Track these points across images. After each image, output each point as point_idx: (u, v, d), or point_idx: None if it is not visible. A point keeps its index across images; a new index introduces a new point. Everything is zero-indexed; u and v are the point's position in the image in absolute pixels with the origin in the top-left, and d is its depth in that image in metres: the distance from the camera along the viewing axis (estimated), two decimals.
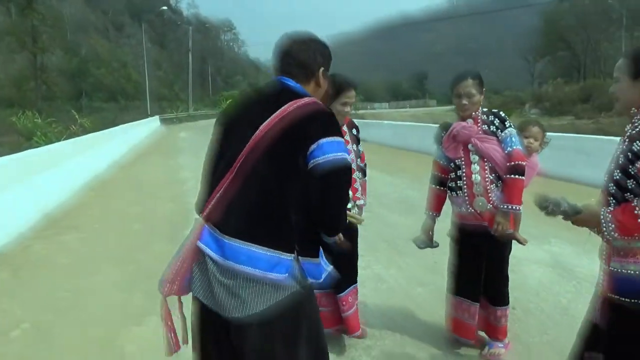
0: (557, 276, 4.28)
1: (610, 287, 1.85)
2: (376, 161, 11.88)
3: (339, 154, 1.59)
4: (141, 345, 3.33)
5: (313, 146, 1.57)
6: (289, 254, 1.59)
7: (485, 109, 2.93)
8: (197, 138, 23.56)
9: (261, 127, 1.58)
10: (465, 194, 2.84)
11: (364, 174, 3.10)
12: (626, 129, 1.85)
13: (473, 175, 2.82)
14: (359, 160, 3.03)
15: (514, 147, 2.77)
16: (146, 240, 5.83)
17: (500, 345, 2.98)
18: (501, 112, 2.91)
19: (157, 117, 38.33)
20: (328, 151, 1.57)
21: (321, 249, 1.80)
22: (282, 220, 1.60)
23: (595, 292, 1.93)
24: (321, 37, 1.91)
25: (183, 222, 6.66)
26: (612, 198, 1.85)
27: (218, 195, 1.61)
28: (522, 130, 3.05)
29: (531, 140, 3.04)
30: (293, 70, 1.78)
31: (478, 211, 2.81)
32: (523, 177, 2.76)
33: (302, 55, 1.79)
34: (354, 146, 3.00)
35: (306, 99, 1.65)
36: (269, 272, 1.54)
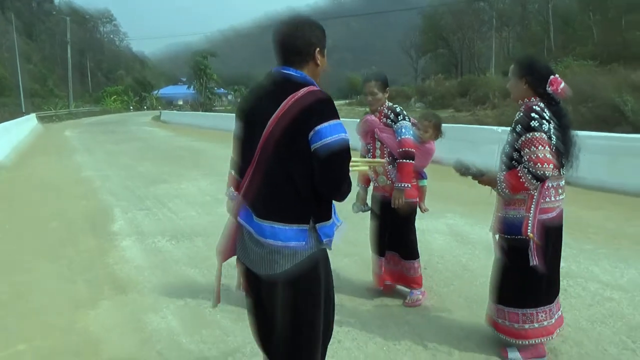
0: (455, 242, 5.07)
1: (499, 228, 2.81)
2: None
3: (334, 136, 1.82)
4: (104, 324, 3.47)
5: (311, 133, 1.82)
6: (304, 225, 1.90)
7: (389, 104, 3.60)
8: (86, 136, 22.33)
9: (269, 123, 1.84)
10: (372, 172, 3.58)
11: None
12: (515, 116, 2.72)
13: (376, 158, 3.53)
14: None
15: (403, 137, 3.46)
16: (69, 237, 5.72)
17: (418, 292, 3.68)
18: (397, 108, 3.58)
19: (33, 115, 35.00)
20: (325, 135, 1.81)
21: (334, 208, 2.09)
22: (295, 200, 1.89)
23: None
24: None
25: (104, 218, 6.62)
26: (504, 165, 2.75)
27: (247, 182, 1.92)
28: (418, 122, 3.76)
29: (424, 131, 3.73)
30: (290, 57, 1.96)
31: (380, 186, 3.60)
32: (410, 161, 3.45)
33: (296, 42, 1.96)
34: None
35: (302, 91, 1.85)
36: (289, 242, 1.88)
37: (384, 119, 3.54)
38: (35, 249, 5.30)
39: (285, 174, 1.87)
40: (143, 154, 14.48)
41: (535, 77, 2.70)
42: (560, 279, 4.01)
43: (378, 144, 3.58)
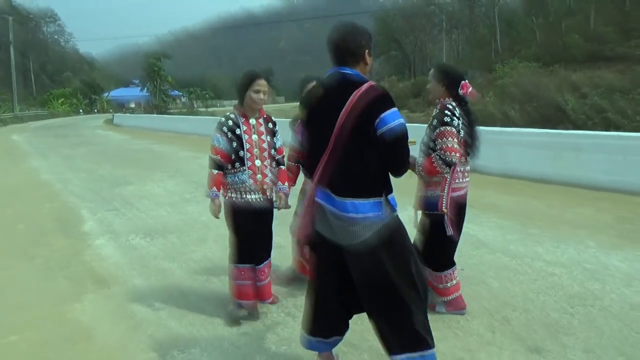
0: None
1: (421, 206, 3.34)
2: None
3: (395, 121, 2.20)
4: (93, 315, 3.63)
5: (377, 120, 2.18)
6: (378, 197, 2.26)
7: None
8: (37, 141, 21.66)
9: (340, 115, 2.19)
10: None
11: (278, 164, 3.55)
12: (433, 112, 3.29)
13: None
14: (273, 150, 3.48)
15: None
16: (40, 238, 5.76)
17: None
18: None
19: None
20: (389, 121, 2.18)
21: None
22: (368, 178, 2.25)
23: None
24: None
25: (72, 219, 6.66)
26: (422, 153, 3.29)
27: (321, 168, 2.27)
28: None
29: None
30: (345, 58, 2.32)
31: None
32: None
33: (350, 45, 2.31)
34: (268, 137, 3.44)
35: (364, 86, 2.21)
36: (367, 213, 2.23)
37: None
38: (7, 250, 5.33)
39: (359, 156, 2.22)
40: (101, 157, 14.30)
41: (450, 81, 3.24)
42: (510, 259, 4.51)
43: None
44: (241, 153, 3.32)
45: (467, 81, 3.28)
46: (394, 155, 2.25)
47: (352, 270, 2.33)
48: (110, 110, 63.40)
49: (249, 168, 3.33)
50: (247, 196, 3.34)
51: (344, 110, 2.19)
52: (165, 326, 3.41)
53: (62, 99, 65.05)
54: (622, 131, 11.38)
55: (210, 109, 53.34)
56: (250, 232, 3.38)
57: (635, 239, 4.92)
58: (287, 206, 3.56)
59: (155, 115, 38.81)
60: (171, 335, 3.28)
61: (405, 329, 2.31)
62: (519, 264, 4.34)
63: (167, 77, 48.83)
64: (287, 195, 3.59)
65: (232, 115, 3.39)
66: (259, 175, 3.36)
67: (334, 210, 2.26)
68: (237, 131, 3.33)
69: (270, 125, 3.52)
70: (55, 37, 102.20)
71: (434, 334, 2.42)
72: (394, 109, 2.22)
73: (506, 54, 39.65)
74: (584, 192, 7.17)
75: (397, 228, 2.33)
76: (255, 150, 3.37)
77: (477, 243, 4.90)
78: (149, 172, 10.70)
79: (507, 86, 23.43)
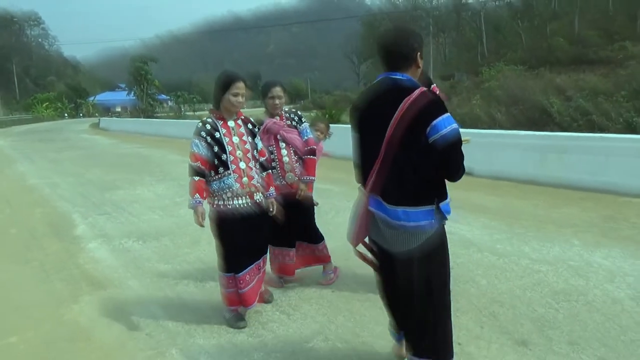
0: None
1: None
2: None
3: (448, 127, 2.14)
4: (90, 316, 3.69)
5: (428, 128, 2.14)
6: (430, 205, 2.24)
7: (286, 109, 4.00)
8: (23, 145, 21.48)
9: (391, 124, 2.17)
10: (278, 171, 3.84)
11: (263, 168, 3.48)
12: None
13: (283, 157, 3.85)
14: (255, 151, 3.40)
15: (308, 136, 3.95)
16: (33, 242, 5.78)
17: (330, 272, 4.15)
18: (298, 112, 4.07)
19: None
20: (441, 128, 2.13)
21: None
22: (420, 186, 2.23)
23: None
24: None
25: (64, 223, 6.68)
26: None
27: (373, 176, 2.27)
28: (313, 125, 4.28)
29: (319, 132, 4.28)
30: (397, 63, 2.29)
31: (289, 182, 3.85)
32: (314, 157, 3.97)
33: (403, 49, 2.28)
34: (250, 138, 3.37)
35: (415, 93, 2.17)
36: (419, 221, 2.23)
37: (287, 121, 3.89)
38: (1, 254, 5.36)
39: (410, 165, 2.20)
40: (89, 161, 14.25)
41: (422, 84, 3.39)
42: (497, 257, 4.63)
43: (282, 145, 3.84)
44: (224, 157, 3.22)
45: (435, 85, 3.40)
46: (447, 161, 2.22)
47: (399, 276, 2.38)
48: (96, 115, 62.85)
49: (233, 172, 3.23)
50: (234, 202, 3.24)
51: (393, 119, 2.18)
52: (162, 326, 3.48)
53: (47, 103, 64.40)
54: (606, 133, 11.65)
55: (197, 113, 53.25)
56: (237, 240, 3.29)
57: (618, 237, 5.07)
58: (282, 212, 3.55)
59: (142, 119, 38.65)
60: (169, 335, 3.34)
61: (431, 337, 2.41)
62: (506, 262, 4.46)
63: (154, 81, 48.66)
64: (277, 200, 3.55)
65: (209, 120, 3.30)
66: (245, 178, 3.26)
67: (386, 219, 2.28)
68: (217, 135, 3.24)
69: (250, 126, 3.44)
70: (39, 40, 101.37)
71: None
72: (446, 115, 2.17)
73: (492, 57, 40.17)
74: (569, 192, 7.33)
75: (443, 238, 2.36)
76: (238, 152, 3.27)
77: (466, 242, 5.02)
78: (138, 176, 10.70)
79: (494, 89, 23.78)
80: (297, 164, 3.89)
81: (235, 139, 3.30)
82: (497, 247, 4.89)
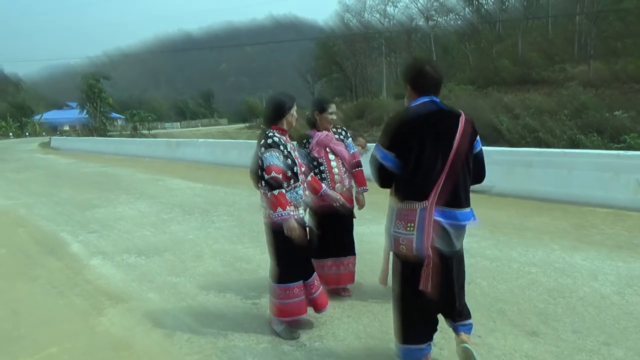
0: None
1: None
2: (205, 177, 12.58)
3: (479, 141, 2.78)
4: (122, 326, 3.79)
5: (475, 142, 2.73)
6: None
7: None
8: None
9: (455, 140, 2.59)
10: (329, 182, 4.10)
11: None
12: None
13: (334, 169, 4.13)
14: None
15: (354, 150, 4.30)
16: (29, 260, 5.75)
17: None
18: (344, 128, 4.38)
19: None
20: (479, 141, 2.78)
21: None
22: (469, 189, 2.74)
23: None
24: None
25: (56, 242, 6.63)
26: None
27: (439, 189, 2.58)
28: (354, 140, 4.60)
29: (360, 147, 4.69)
30: (435, 90, 2.74)
31: (339, 192, 4.10)
32: (362, 169, 4.25)
33: (437, 78, 2.75)
34: (296, 153, 3.61)
35: (462, 115, 2.68)
36: (472, 219, 2.75)
37: (335, 135, 4.21)
38: (2, 273, 5.29)
39: (469, 171, 2.72)
40: (55, 181, 13.92)
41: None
42: (490, 262, 5.04)
43: (332, 157, 4.10)
44: (295, 169, 3.44)
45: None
46: (484, 167, 2.85)
47: (453, 270, 2.80)
48: (44, 133, 60.64)
49: (301, 183, 3.50)
50: (299, 211, 3.48)
51: (457, 136, 2.60)
52: (198, 332, 3.64)
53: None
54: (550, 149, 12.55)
55: (152, 132, 52.31)
56: (305, 247, 3.54)
57: (591, 242, 5.63)
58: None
59: (98, 137, 37.65)
60: (208, 340, 3.51)
61: (465, 304, 3.01)
62: (499, 266, 4.89)
63: (107, 99, 47.55)
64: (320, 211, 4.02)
65: (276, 133, 3.44)
66: (306, 190, 3.62)
67: (454, 222, 2.66)
68: (289, 147, 3.46)
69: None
70: None
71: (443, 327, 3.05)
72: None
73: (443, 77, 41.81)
74: (536, 203, 7.94)
75: None
76: (302, 166, 3.62)
77: None
78: (114, 195, 10.61)
79: None
80: (345, 175, 4.15)
81: (296, 153, 3.60)
82: (487, 253, 5.33)
